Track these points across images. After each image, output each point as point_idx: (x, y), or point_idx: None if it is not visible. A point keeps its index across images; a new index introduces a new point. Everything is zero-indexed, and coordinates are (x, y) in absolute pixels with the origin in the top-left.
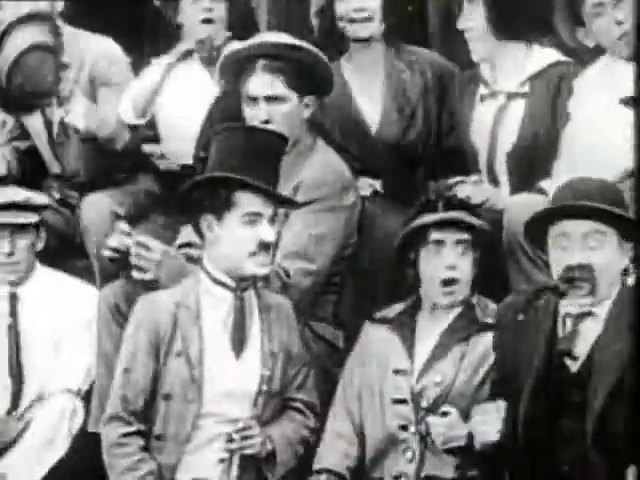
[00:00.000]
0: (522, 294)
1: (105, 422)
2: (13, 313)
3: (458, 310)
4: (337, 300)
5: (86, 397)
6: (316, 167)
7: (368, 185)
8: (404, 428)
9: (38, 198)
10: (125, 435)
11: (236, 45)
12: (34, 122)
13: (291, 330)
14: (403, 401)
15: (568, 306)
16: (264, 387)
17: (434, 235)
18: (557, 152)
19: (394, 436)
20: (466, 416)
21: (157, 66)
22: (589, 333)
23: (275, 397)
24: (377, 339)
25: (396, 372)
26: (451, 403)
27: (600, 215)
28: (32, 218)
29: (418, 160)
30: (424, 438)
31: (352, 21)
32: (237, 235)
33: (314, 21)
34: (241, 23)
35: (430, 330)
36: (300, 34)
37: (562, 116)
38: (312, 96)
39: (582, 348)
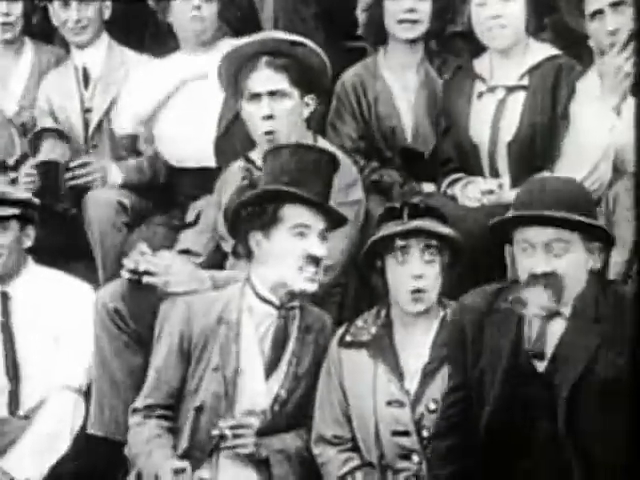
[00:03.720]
0: (482, 295)
1: (130, 413)
2: (5, 312)
3: (435, 326)
4: (341, 302)
5: (85, 397)
6: None
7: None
8: (406, 457)
9: (15, 192)
10: (146, 417)
11: (238, 41)
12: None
13: (326, 349)
14: (405, 433)
15: (534, 308)
16: (276, 407)
17: (399, 243)
18: (558, 152)
19: (392, 466)
20: None
21: (161, 78)
22: (557, 333)
23: (288, 417)
24: (358, 367)
25: (389, 404)
26: None
27: (561, 222)
28: (7, 212)
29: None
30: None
31: (401, 21)
32: (286, 248)
33: (361, 16)
34: (242, 24)
35: (412, 350)
36: (304, 35)
37: (562, 112)
38: (313, 95)
39: (549, 348)
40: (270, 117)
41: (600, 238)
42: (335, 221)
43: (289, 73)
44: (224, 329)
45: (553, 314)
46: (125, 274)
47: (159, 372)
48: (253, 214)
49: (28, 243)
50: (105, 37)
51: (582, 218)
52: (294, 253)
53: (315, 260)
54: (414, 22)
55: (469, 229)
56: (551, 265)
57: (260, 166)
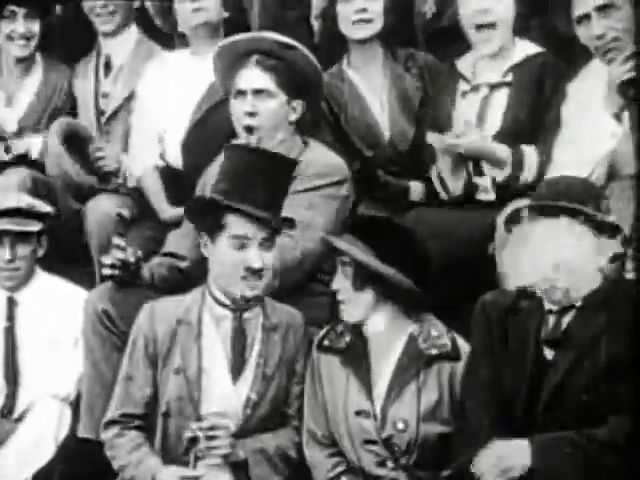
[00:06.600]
0: (504, 295)
1: (103, 427)
2: (10, 317)
3: (403, 342)
4: (332, 302)
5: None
6: (316, 160)
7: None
8: (382, 464)
9: (42, 206)
10: (124, 429)
11: (231, 38)
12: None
13: (298, 347)
14: (374, 442)
15: (548, 304)
16: (248, 410)
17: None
18: (548, 156)
19: (370, 472)
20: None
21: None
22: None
23: (263, 419)
24: (333, 373)
25: (358, 414)
26: (422, 442)
27: (571, 214)
28: (34, 226)
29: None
30: (408, 468)
31: (353, 22)
32: (226, 258)
33: (315, 23)
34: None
35: (382, 360)
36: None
37: (546, 110)
38: (300, 100)
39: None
40: (252, 114)
41: (613, 235)
42: (282, 226)
43: (277, 74)
44: (184, 329)
45: (568, 307)
46: (105, 271)
47: (130, 379)
48: (200, 217)
49: (41, 253)
50: (134, 29)
51: (586, 209)
52: (234, 264)
53: (255, 272)
54: (367, 22)
55: (458, 236)
56: (559, 257)
57: None
